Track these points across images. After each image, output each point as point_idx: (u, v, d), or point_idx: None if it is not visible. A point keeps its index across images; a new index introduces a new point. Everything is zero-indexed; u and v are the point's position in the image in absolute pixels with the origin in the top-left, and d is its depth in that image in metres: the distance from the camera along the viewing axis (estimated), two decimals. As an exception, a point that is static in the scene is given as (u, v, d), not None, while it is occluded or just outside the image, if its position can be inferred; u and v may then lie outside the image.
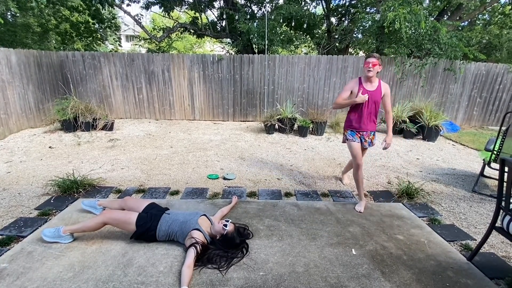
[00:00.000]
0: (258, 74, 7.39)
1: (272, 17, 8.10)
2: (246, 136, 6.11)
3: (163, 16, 10.58)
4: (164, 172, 3.96)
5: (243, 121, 7.75)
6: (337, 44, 9.47)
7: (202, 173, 3.95)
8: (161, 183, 3.60)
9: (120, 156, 4.62)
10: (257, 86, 7.48)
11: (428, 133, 6.04)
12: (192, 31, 10.13)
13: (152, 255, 2.16)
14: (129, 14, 8.99)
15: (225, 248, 2.17)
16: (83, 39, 12.44)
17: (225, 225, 2.25)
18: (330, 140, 5.98)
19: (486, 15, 10.80)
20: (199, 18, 9.85)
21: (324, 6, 9.51)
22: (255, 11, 9.66)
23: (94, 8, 10.28)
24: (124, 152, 4.84)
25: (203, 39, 14.77)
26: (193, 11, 10.00)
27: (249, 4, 9.56)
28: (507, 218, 1.94)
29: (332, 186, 3.63)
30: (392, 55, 7.22)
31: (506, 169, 1.98)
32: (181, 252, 2.20)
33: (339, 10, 9.87)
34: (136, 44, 20.85)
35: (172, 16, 10.82)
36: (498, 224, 2.09)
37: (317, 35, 10.20)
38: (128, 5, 9.48)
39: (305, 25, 9.51)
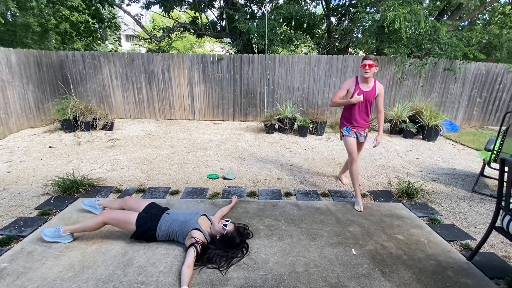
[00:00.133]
0: (258, 74, 7.39)
1: (272, 17, 8.10)
2: (246, 136, 6.11)
3: (163, 16, 10.57)
4: (164, 172, 3.96)
5: (243, 121, 7.75)
6: (337, 44, 9.47)
7: (202, 173, 3.95)
8: (161, 183, 3.60)
9: (120, 156, 4.62)
10: (257, 86, 7.48)
11: (428, 133, 6.04)
12: (192, 31, 10.11)
13: (152, 255, 2.16)
14: (129, 13, 8.97)
15: (225, 248, 2.17)
16: (83, 39, 12.44)
17: (225, 225, 2.25)
18: (330, 140, 5.98)
19: (486, 15, 10.79)
20: (199, 18, 9.84)
21: (324, 6, 9.51)
22: (255, 11, 9.66)
23: (94, 8, 10.26)
24: (124, 152, 4.84)
25: (203, 39, 14.76)
26: (193, 11, 9.99)
27: (249, 4, 9.55)
28: (507, 218, 1.95)
29: (332, 186, 3.64)
30: (392, 55, 7.21)
31: (506, 169, 1.98)
32: (181, 252, 2.20)
33: (339, 10, 9.87)
34: (136, 44, 20.87)
35: (172, 16, 10.80)
36: (498, 224, 2.09)
37: (317, 35, 10.19)
38: (128, 4, 9.46)
39: (305, 25, 9.50)
